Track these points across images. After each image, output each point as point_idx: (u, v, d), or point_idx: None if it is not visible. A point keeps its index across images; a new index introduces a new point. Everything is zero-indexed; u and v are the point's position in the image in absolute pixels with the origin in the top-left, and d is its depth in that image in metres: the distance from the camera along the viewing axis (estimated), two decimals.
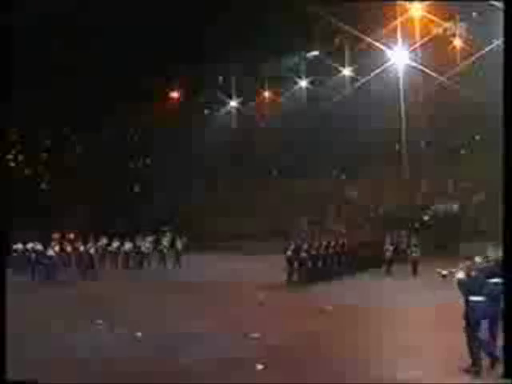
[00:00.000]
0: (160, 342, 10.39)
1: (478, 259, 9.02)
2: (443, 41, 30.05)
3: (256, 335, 10.62)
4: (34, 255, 22.20)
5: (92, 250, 22.31)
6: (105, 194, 38.63)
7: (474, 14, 29.19)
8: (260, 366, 8.72)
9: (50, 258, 21.07)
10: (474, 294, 8.07)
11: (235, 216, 35.28)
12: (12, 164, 40.17)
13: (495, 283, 8.55)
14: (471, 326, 7.98)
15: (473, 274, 8.35)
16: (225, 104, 39.35)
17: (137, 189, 43.82)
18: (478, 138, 32.81)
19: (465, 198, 32.27)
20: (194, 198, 37.82)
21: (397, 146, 33.07)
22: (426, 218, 32.21)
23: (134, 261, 24.32)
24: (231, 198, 36.94)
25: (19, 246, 23.75)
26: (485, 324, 8.33)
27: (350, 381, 8.14)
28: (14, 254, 23.26)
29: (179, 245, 25.31)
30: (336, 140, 33.39)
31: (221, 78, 38.31)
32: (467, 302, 8.08)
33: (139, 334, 10.99)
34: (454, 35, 29.89)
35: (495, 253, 11.26)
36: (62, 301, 15.74)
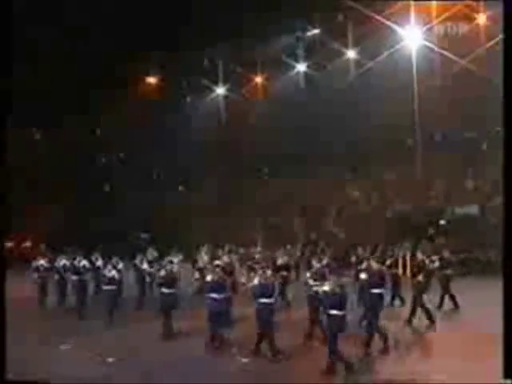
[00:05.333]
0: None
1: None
2: (464, 18, 28.41)
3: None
4: (79, 278, 16.91)
5: (175, 268, 16.26)
6: (68, 194, 36.41)
7: None
8: None
9: (114, 280, 15.32)
10: None
11: (234, 216, 33.77)
12: None
13: None
14: None
15: None
16: (211, 91, 37.24)
17: (108, 188, 41.59)
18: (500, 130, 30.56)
19: (484, 200, 30.13)
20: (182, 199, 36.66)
21: (409, 141, 31.69)
22: (442, 222, 30.01)
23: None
24: (227, 197, 35.56)
25: (41, 262, 18.74)
26: None
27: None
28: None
29: None
30: (339, 137, 31.94)
31: (206, 61, 36.13)
32: None
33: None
34: (477, 12, 28.01)
35: None
36: None
